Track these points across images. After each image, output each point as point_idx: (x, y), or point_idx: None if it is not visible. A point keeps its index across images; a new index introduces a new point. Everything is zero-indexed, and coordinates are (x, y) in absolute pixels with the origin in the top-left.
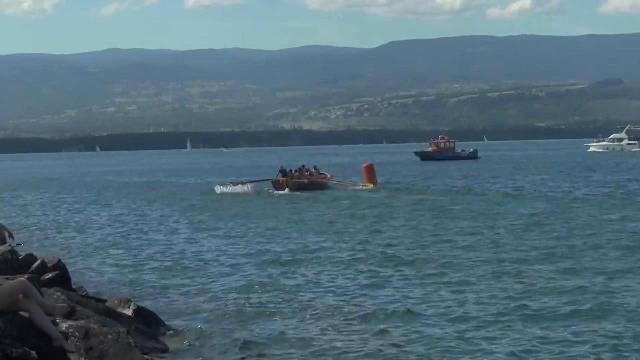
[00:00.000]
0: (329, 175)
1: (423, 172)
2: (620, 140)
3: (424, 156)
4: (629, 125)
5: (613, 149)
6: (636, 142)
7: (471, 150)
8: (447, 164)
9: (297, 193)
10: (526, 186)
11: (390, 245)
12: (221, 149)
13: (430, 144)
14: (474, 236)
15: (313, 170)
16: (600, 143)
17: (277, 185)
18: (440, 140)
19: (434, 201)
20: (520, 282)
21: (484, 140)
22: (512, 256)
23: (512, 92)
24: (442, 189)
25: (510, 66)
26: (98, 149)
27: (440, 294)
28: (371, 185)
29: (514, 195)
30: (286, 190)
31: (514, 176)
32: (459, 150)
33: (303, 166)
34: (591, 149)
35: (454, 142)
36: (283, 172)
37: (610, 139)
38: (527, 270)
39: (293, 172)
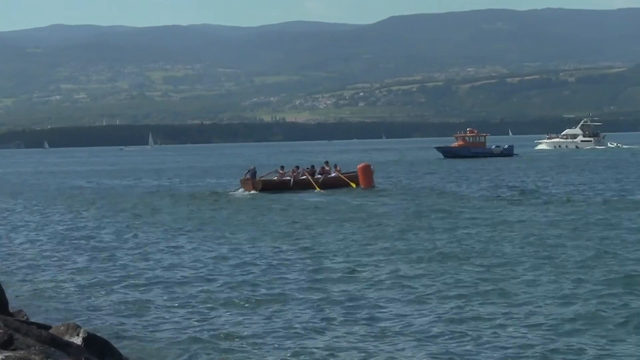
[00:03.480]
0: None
1: (447, 171)
2: (575, 136)
3: (448, 153)
4: (584, 120)
5: (567, 146)
6: (592, 138)
7: (506, 146)
8: (477, 162)
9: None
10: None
11: None
12: (121, 147)
13: (456, 138)
14: None
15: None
16: (551, 140)
17: (245, 185)
18: (469, 134)
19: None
20: None
21: (508, 134)
22: None
23: (536, 77)
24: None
25: (533, 46)
26: (47, 145)
27: None
28: (353, 185)
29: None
30: (252, 191)
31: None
32: (492, 146)
33: (326, 162)
34: (540, 146)
35: (484, 136)
36: (253, 173)
37: (563, 135)
38: None
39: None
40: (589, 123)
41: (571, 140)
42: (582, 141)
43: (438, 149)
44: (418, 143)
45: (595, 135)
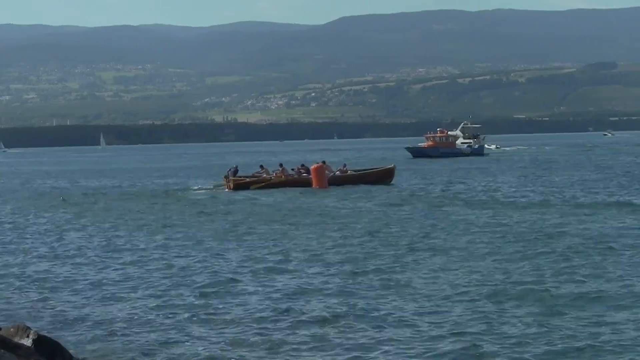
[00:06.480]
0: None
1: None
2: (455, 138)
3: (418, 153)
4: (464, 122)
5: None
6: (471, 140)
7: (476, 145)
8: (447, 161)
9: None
10: None
11: None
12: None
13: (426, 138)
14: None
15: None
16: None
17: (225, 183)
18: (439, 135)
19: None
20: None
21: None
22: None
23: (487, 77)
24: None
25: (484, 47)
26: (2, 145)
27: None
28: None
29: None
30: (225, 190)
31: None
32: (465, 146)
33: (324, 162)
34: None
35: (455, 136)
36: (234, 172)
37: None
38: None
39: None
40: (469, 125)
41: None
42: (462, 143)
43: (407, 149)
44: (372, 143)
45: (475, 137)
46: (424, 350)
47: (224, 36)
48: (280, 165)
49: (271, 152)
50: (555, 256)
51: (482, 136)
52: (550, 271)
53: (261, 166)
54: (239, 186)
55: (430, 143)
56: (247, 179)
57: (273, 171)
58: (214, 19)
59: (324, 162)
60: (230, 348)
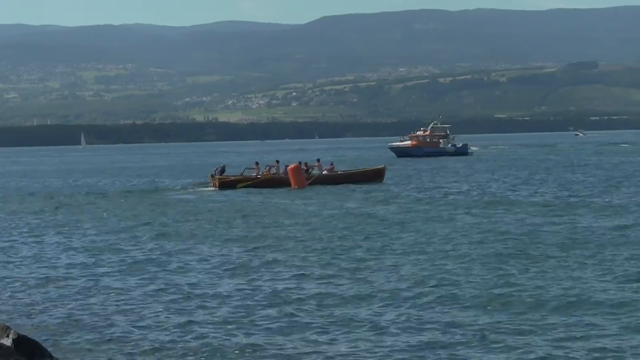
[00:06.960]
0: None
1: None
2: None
3: (402, 152)
4: (434, 122)
5: None
6: (441, 140)
7: (459, 144)
8: (430, 161)
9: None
10: None
11: None
12: None
13: (410, 137)
14: None
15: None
16: (403, 143)
17: (212, 181)
18: (422, 134)
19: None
20: None
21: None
22: None
23: (468, 77)
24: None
25: (465, 46)
26: None
27: None
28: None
29: None
30: (211, 188)
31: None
32: (448, 145)
33: (318, 160)
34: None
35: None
36: (221, 170)
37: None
38: None
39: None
40: (438, 125)
41: None
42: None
43: (391, 148)
44: (353, 143)
45: (445, 137)
46: (398, 352)
47: (205, 36)
48: (277, 162)
49: (252, 152)
50: (541, 257)
51: (451, 136)
52: (532, 274)
53: (256, 163)
54: (225, 185)
55: (414, 142)
56: (233, 178)
57: (266, 166)
58: (195, 18)
59: (318, 160)
60: (207, 349)
